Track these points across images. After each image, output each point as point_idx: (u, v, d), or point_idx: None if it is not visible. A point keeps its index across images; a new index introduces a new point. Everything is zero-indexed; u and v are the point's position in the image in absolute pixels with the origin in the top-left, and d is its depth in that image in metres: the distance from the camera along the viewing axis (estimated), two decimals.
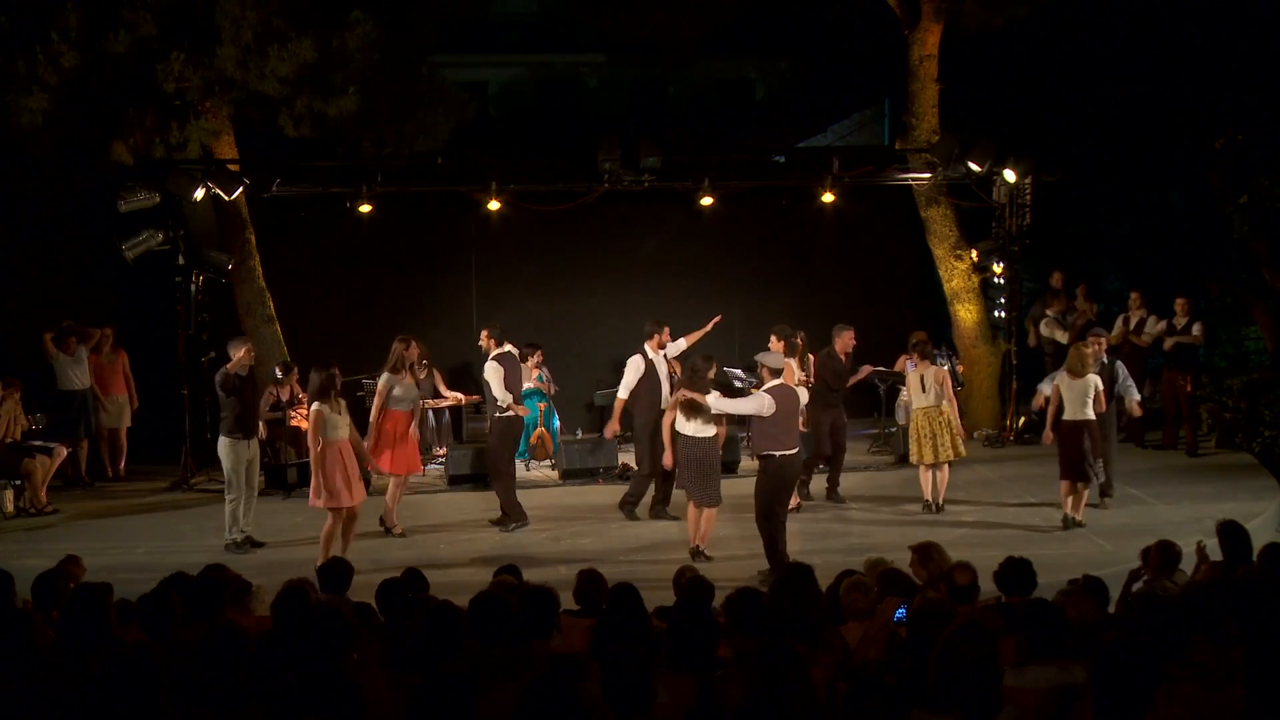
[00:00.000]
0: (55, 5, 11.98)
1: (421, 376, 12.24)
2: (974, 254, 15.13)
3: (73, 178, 13.65)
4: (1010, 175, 14.22)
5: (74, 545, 8.91)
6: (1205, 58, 14.93)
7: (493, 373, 11.05)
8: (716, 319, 12.17)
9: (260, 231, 14.26)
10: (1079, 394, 10.56)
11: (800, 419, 9.82)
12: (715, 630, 4.75)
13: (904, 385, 12.85)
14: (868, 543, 10.07)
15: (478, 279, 15.99)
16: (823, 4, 18.07)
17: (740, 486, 11.20)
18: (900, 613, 5.49)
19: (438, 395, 13.51)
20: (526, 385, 13.10)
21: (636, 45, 18.52)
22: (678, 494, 10.63)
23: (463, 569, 9.65)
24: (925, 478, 11.46)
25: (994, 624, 5.19)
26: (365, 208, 13.57)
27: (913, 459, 11.55)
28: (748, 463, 12.35)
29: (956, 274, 15.20)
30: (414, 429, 11.07)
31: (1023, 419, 14.67)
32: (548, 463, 13.82)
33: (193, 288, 13.47)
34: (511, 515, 11.14)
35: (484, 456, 12.05)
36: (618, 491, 11.86)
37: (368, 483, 10.73)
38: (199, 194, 12.87)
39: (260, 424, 12.22)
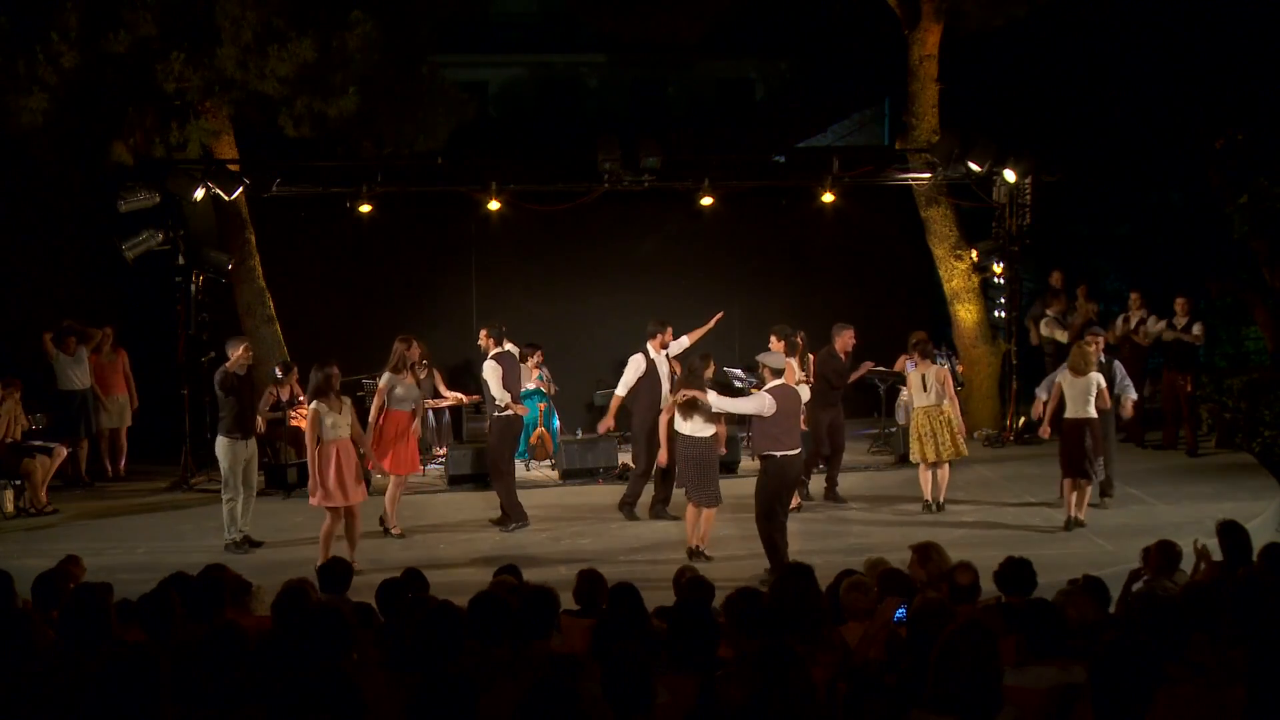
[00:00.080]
0: (55, 5, 11.97)
1: (422, 376, 12.24)
2: (974, 254, 15.14)
3: (73, 178, 13.64)
4: (1010, 175, 14.22)
5: (74, 545, 8.91)
6: (1205, 58, 14.92)
7: (491, 372, 11.05)
8: (718, 316, 12.17)
9: (260, 231, 14.26)
10: (1081, 392, 10.56)
11: (801, 418, 9.82)
12: (715, 630, 4.75)
13: (904, 385, 12.85)
14: (868, 543, 10.08)
15: (478, 279, 15.99)
16: (823, 4, 18.08)
17: (740, 486, 11.21)
18: (900, 613, 5.49)
19: (437, 395, 13.52)
20: (527, 385, 13.11)
21: (636, 45, 18.53)
22: (678, 494, 10.63)
23: (463, 569, 9.65)
24: (925, 477, 11.45)
25: (994, 624, 5.19)
26: (365, 208, 13.57)
27: (913, 458, 11.55)
28: (748, 463, 12.36)
29: (956, 274, 15.20)
30: (416, 427, 11.09)
31: (1023, 419, 14.66)
32: (548, 463, 13.82)
33: (193, 288, 13.47)
34: (512, 515, 11.14)
35: (484, 456, 12.05)
36: (618, 491, 11.86)
37: (369, 483, 10.72)
38: (199, 194, 12.87)
39: (260, 421, 12.25)
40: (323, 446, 9.48)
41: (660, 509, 11.34)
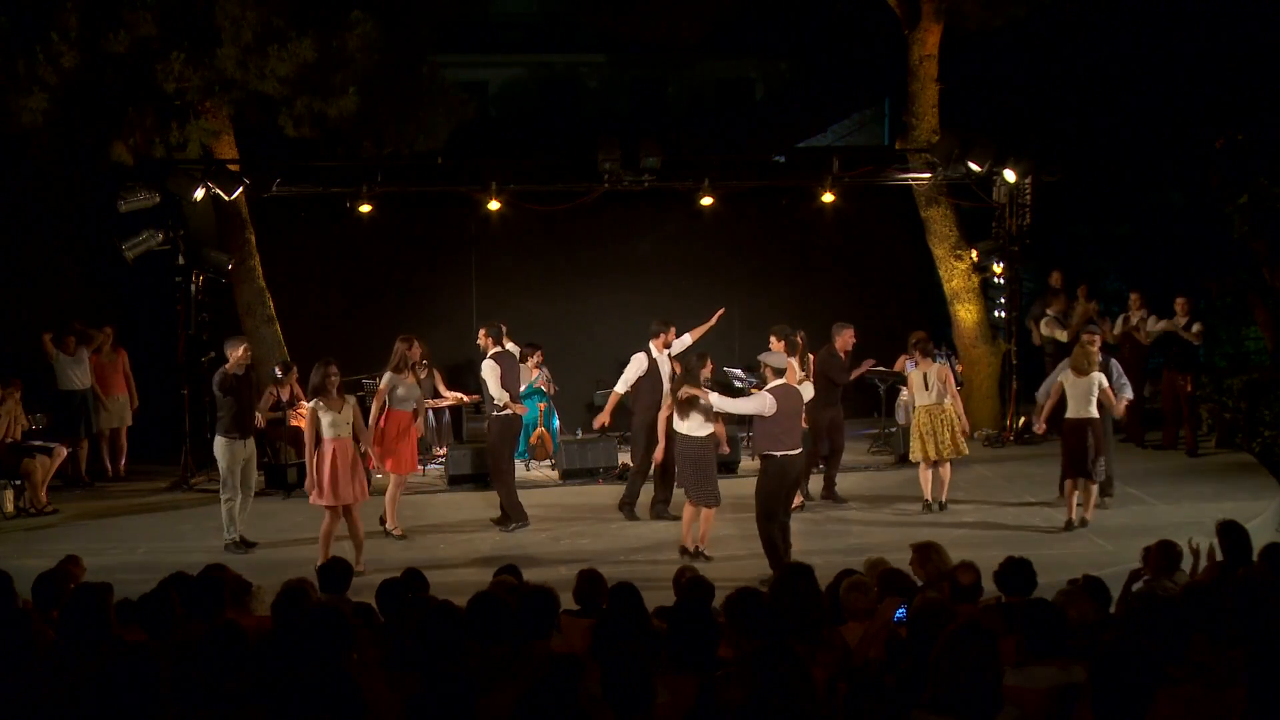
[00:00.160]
0: (55, 5, 11.97)
1: (422, 376, 12.25)
2: (974, 254, 15.14)
3: (73, 178, 13.64)
4: (1010, 175, 14.22)
5: (74, 545, 8.91)
6: (1205, 58, 14.92)
7: (489, 371, 11.07)
8: (719, 312, 12.16)
9: (260, 231, 14.26)
10: (1083, 392, 10.55)
11: (802, 418, 9.81)
12: (715, 630, 4.75)
13: (904, 385, 12.85)
14: (868, 543, 10.08)
15: (478, 279, 15.99)
16: (823, 4, 18.07)
17: (740, 486, 11.21)
18: (900, 613, 5.49)
19: (437, 395, 13.52)
20: (525, 385, 13.10)
21: (636, 45, 18.51)
22: (678, 493, 10.63)
23: (463, 569, 9.65)
24: (925, 476, 11.45)
25: (994, 624, 5.19)
26: (365, 208, 13.57)
27: (913, 456, 11.54)
28: (748, 463, 12.36)
29: (956, 274, 15.20)
30: (418, 426, 11.10)
31: (1023, 419, 14.67)
32: (548, 463, 13.82)
33: (193, 288, 13.47)
34: (512, 515, 11.14)
35: (484, 456, 12.05)
36: (617, 491, 11.86)
37: (369, 482, 10.72)
38: (199, 194, 12.87)
39: (260, 418, 12.26)
40: (320, 445, 9.51)
41: (661, 509, 11.34)
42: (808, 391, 10.14)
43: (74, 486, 13.11)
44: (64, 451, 12.38)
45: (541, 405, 13.87)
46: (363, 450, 9.84)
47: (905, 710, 3.86)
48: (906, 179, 14.95)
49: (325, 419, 9.57)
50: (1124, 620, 5.38)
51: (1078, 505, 10.67)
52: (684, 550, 9.98)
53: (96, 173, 13.30)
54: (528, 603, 5.19)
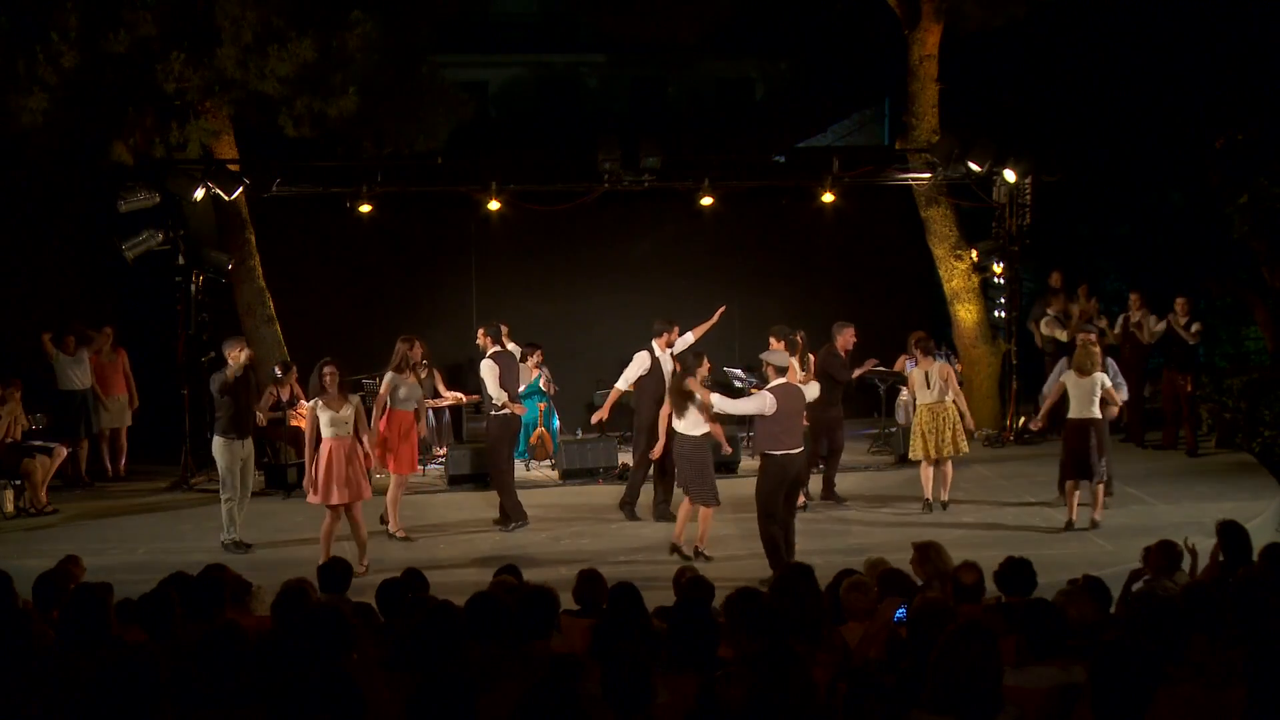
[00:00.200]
0: (55, 5, 11.97)
1: (422, 376, 12.25)
2: (974, 254, 15.13)
3: (73, 178, 13.65)
4: (1010, 175, 14.22)
5: (74, 545, 8.90)
6: (1205, 58, 14.92)
7: (488, 371, 11.08)
8: (721, 310, 12.14)
9: (260, 231, 14.26)
10: (1086, 392, 10.54)
11: (803, 417, 9.79)
12: (715, 630, 4.75)
13: (904, 385, 12.84)
14: (868, 543, 10.08)
15: (478, 279, 15.99)
16: (823, 4, 18.07)
17: (740, 486, 11.20)
18: (900, 613, 5.48)
19: (437, 395, 13.51)
20: (525, 385, 13.09)
21: (636, 45, 18.53)
22: (679, 493, 10.62)
23: (463, 569, 9.65)
24: (926, 474, 11.44)
25: (994, 624, 5.19)
26: (365, 208, 13.57)
27: (913, 454, 11.53)
28: (748, 462, 12.35)
29: (956, 274, 15.20)
30: (420, 427, 11.11)
31: (1023, 419, 14.67)
32: (548, 463, 13.82)
33: (193, 288, 13.46)
34: (512, 515, 11.14)
35: (484, 456, 12.05)
36: (617, 491, 11.86)
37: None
38: (199, 194, 12.87)
39: (261, 417, 12.26)
40: (320, 444, 9.53)
41: (662, 509, 11.33)
42: (814, 391, 10.09)
43: (74, 486, 13.11)
44: (64, 451, 12.37)
45: (541, 405, 13.86)
46: (364, 451, 9.83)
47: (905, 710, 3.86)
48: (906, 179, 14.95)
49: (324, 418, 9.58)
50: (1124, 620, 5.38)
51: (1080, 505, 10.66)
52: (674, 548, 9.95)
53: (96, 173, 13.30)
54: (528, 603, 5.19)
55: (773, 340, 10.64)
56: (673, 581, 6.93)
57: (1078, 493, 10.67)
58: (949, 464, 11.43)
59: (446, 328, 15.43)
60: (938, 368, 11.40)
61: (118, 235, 12.92)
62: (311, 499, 9.69)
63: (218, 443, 10.48)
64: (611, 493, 12.11)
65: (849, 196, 14.61)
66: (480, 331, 11.93)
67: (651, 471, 11.39)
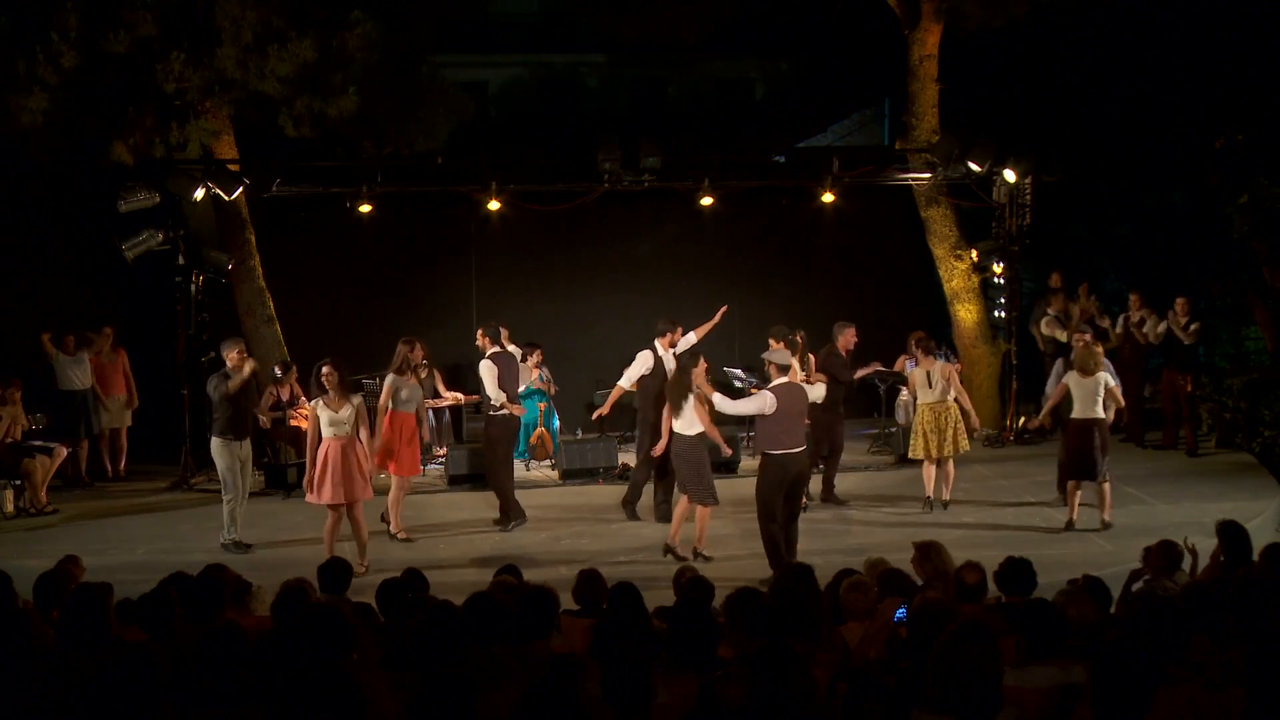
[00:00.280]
0: (55, 5, 11.98)
1: (422, 376, 12.26)
2: (974, 254, 15.13)
3: (73, 178, 13.64)
4: (1010, 175, 14.22)
5: (74, 545, 8.90)
6: (1205, 58, 14.92)
7: (486, 372, 11.10)
8: (723, 310, 12.14)
9: (260, 231, 14.26)
10: (1090, 392, 10.53)
11: (805, 417, 9.77)
12: (715, 630, 4.75)
13: (904, 385, 12.82)
14: (868, 543, 10.08)
15: (478, 279, 15.99)
16: (823, 4, 18.07)
17: (740, 486, 11.20)
18: (900, 613, 5.48)
19: (437, 395, 13.51)
20: (525, 385, 13.09)
21: (636, 45, 18.50)
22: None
23: (463, 569, 9.66)
24: (929, 473, 11.44)
25: (994, 624, 5.19)
26: (365, 208, 13.57)
27: (914, 454, 11.52)
28: (748, 462, 12.35)
29: (956, 274, 15.20)
30: (425, 431, 11.11)
31: (1023, 419, 14.67)
32: (548, 463, 13.82)
33: (193, 288, 13.47)
34: (510, 514, 11.15)
35: (482, 457, 12.05)
36: (617, 492, 11.86)
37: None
38: (199, 194, 12.87)
39: (265, 419, 12.25)
40: (318, 444, 9.57)
41: (664, 510, 11.31)
42: (820, 392, 10.05)
43: (74, 486, 13.11)
44: (64, 451, 12.38)
45: (541, 405, 13.86)
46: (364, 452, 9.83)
47: (905, 710, 3.86)
48: (906, 179, 14.95)
49: (324, 418, 9.60)
50: (1124, 620, 5.38)
51: (1082, 505, 10.66)
52: (668, 549, 9.94)
53: (96, 173, 13.30)
54: (527, 603, 5.19)
55: (772, 341, 10.65)
56: (673, 581, 6.93)
57: (1079, 493, 10.66)
58: (950, 463, 11.43)
59: (446, 328, 15.43)
60: (939, 367, 11.40)
61: (118, 235, 12.92)
62: (309, 498, 9.72)
63: (216, 444, 10.47)
64: (611, 493, 12.11)
65: (849, 196, 14.61)
66: (479, 332, 11.94)
67: (650, 467, 11.38)
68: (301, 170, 13.56)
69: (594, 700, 3.97)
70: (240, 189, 13.15)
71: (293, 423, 12.93)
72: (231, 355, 10.56)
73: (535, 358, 13.76)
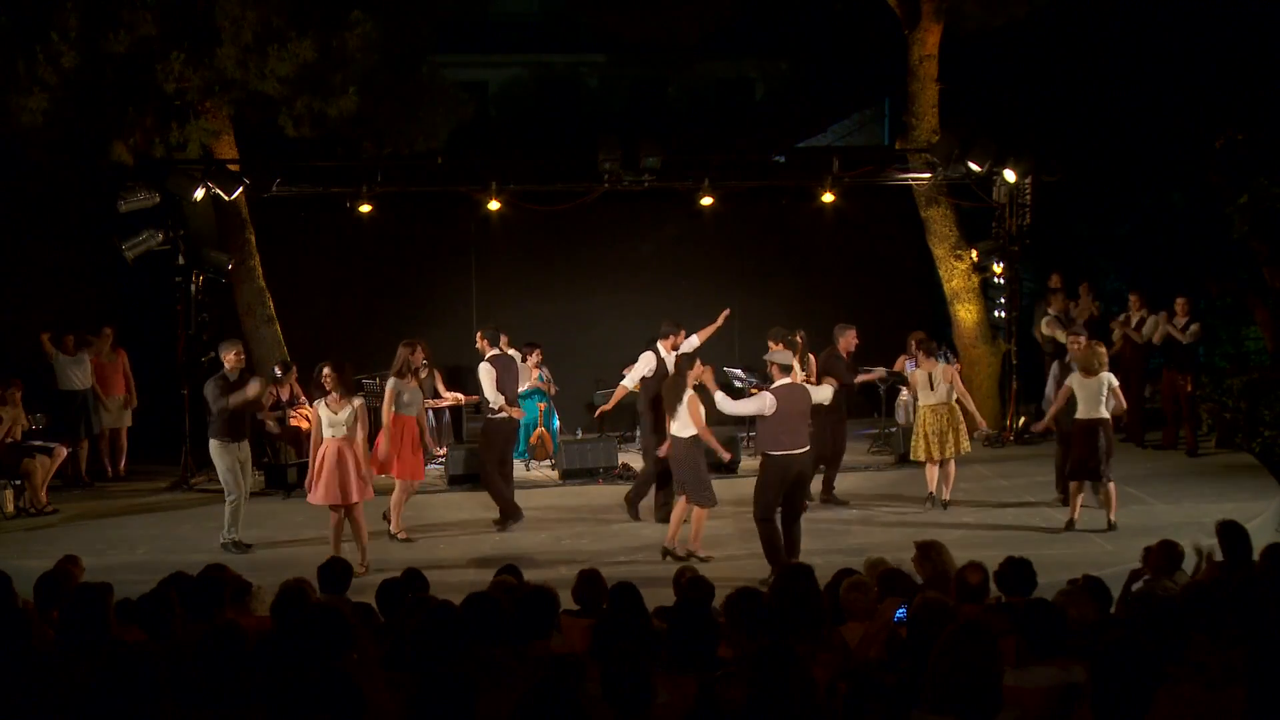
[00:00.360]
0: (55, 5, 11.98)
1: (423, 376, 12.26)
2: (974, 254, 15.14)
3: (73, 178, 13.65)
4: (1010, 175, 14.22)
5: (74, 545, 8.90)
6: (1205, 58, 14.92)
7: (484, 374, 11.12)
8: (725, 313, 12.13)
9: (260, 231, 14.27)
10: (1093, 393, 10.50)
11: (807, 418, 9.75)
12: (715, 630, 4.75)
13: (905, 385, 12.82)
14: (868, 543, 10.07)
15: (478, 279, 16.00)
16: (823, 4, 18.07)
17: (740, 487, 11.20)
18: (900, 613, 5.48)
19: (437, 395, 13.51)
20: (526, 385, 13.09)
21: (636, 45, 18.51)
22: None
23: (463, 569, 9.66)
24: (931, 473, 11.44)
25: (994, 624, 5.19)
26: (365, 208, 13.57)
27: (916, 456, 11.51)
28: (748, 462, 12.36)
29: (956, 274, 15.20)
30: (427, 437, 11.12)
31: (1023, 419, 14.67)
32: (548, 463, 13.82)
33: (193, 288, 13.47)
34: (508, 514, 11.15)
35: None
36: (617, 492, 11.86)
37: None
38: (199, 194, 12.87)
39: (272, 422, 12.24)
40: (318, 444, 9.60)
41: (665, 512, 11.31)
42: (826, 393, 10.01)
43: (74, 486, 13.11)
44: (64, 451, 12.37)
45: (541, 405, 13.87)
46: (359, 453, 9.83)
47: (905, 710, 3.85)
48: (906, 179, 14.95)
49: (324, 418, 9.61)
50: (1124, 620, 5.38)
51: (1083, 507, 10.65)
52: (666, 552, 9.92)
53: (96, 173, 13.31)
54: (528, 603, 5.19)
55: (771, 343, 10.64)
56: (673, 581, 6.93)
57: (1081, 494, 10.65)
58: (951, 463, 11.43)
59: (446, 328, 15.43)
60: (942, 369, 11.40)
61: (118, 235, 12.93)
62: (309, 497, 9.73)
63: (215, 446, 10.44)
64: (611, 493, 12.11)
65: (849, 196, 14.61)
66: (479, 334, 11.94)
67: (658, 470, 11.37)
68: (301, 170, 13.57)
69: (594, 700, 3.96)
70: (240, 189, 13.16)
71: (293, 423, 12.93)
72: (229, 357, 10.55)
73: (535, 358, 13.76)
